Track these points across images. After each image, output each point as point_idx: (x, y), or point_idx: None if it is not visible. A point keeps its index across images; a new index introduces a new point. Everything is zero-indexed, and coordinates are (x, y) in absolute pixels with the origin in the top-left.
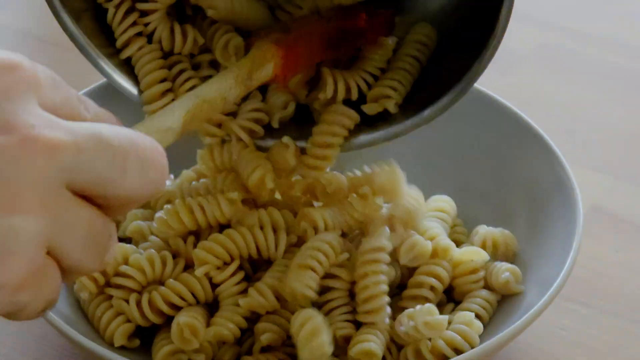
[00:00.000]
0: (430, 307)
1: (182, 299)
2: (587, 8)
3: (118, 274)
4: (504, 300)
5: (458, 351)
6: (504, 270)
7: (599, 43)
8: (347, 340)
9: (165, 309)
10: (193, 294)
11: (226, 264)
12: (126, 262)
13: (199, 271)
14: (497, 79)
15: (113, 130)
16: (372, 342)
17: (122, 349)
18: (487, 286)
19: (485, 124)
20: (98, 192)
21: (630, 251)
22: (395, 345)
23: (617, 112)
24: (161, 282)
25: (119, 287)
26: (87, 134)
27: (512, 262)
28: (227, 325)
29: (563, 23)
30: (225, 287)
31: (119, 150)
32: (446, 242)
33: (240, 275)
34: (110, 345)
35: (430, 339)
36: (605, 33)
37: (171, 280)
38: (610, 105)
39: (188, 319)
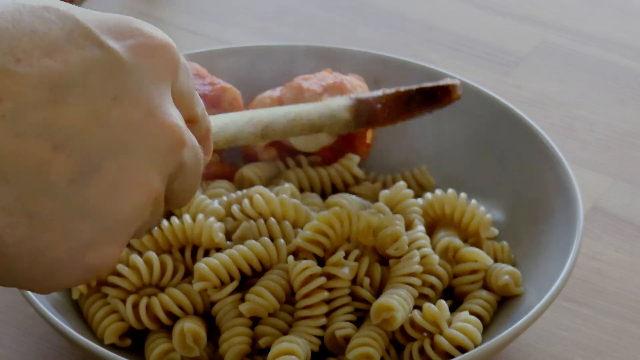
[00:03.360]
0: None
1: (181, 308)
2: (587, 8)
3: (114, 273)
4: (505, 301)
5: (461, 348)
6: (504, 273)
7: (599, 43)
8: (348, 339)
9: (162, 316)
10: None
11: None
12: (127, 263)
13: (197, 286)
14: (497, 79)
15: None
16: (371, 345)
17: (113, 348)
18: (487, 287)
19: (484, 124)
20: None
21: (630, 251)
22: (394, 346)
23: (616, 112)
24: (158, 286)
25: (114, 286)
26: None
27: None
28: (237, 340)
29: (563, 23)
30: (222, 305)
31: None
32: (457, 241)
33: (236, 292)
34: (101, 342)
35: (432, 337)
36: (605, 33)
37: (172, 288)
38: (610, 105)
39: (193, 326)
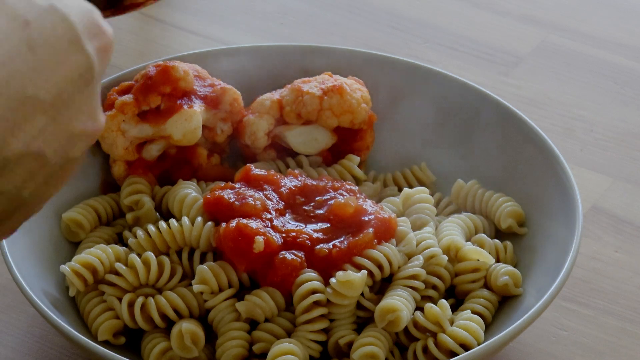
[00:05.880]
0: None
1: (176, 311)
2: (587, 8)
3: (112, 271)
4: (505, 301)
5: (464, 347)
6: (504, 274)
7: (599, 43)
8: (350, 345)
9: (156, 318)
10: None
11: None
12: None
13: (196, 288)
14: (497, 79)
15: None
16: (375, 345)
17: (108, 346)
18: (488, 287)
19: (484, 124)
20: None
21: (630, 251)
22: (398, 348)
23: (616, 112)
24: (155, 287)
25: (111, 284)
26: None
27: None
28: (233, 344)
29: (563, 23)
30: (218, 311)
31: None
32: (458, 240)
33: (232, 296)
34: (97, 338)
35: (435, 336)
36: (605, 33)
37: (169, 292)
38: (610, 105)
39: (191, 326)
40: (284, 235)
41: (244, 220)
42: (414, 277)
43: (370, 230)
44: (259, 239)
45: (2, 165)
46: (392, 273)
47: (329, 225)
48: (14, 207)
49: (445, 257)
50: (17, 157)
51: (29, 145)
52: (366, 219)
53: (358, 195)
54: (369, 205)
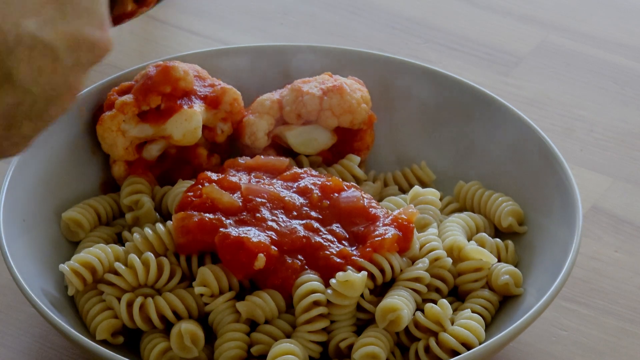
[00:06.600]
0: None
1: (175, 313)
2: (587, 8)
3: (112, 271)
4: (505, 301)
5: (466, 345)
6: (504, 273)
7: (599, 43)
8: (351, 348)
9: (155, 319)
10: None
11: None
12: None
13: (197, 289)
14: (497, 79)
15: None
16: (377, 345)
17: (107, 345)
18: (489, 286)
19: (484, 124)
20: None
21: (630, 251)
22: (399, 348)
23: (616, 112)
24: (153, 288)
25: (110, 284)
26: None
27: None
28: (232, 345)
29: (563, 23)
30: (217, 312)
31: None
32: (461, 240)
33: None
34: (94, 337)
35: (436, 336)
36: (605, 33)
37: (168, 293)
38: (610, 105)
39: (191, 326)
40: (291, 237)
41: (244, 232)
42: (417, 279)
43: (390, 235)
44: (261, 256)
45: (15, 42)
46: (395, 277)
47: (339, 224)
48: (26, 106)
49: (450, 260)
50: (30, 38)
51: (41, 30)
52: (383, 222)
53: (364, 196)
54: (379, 211)
